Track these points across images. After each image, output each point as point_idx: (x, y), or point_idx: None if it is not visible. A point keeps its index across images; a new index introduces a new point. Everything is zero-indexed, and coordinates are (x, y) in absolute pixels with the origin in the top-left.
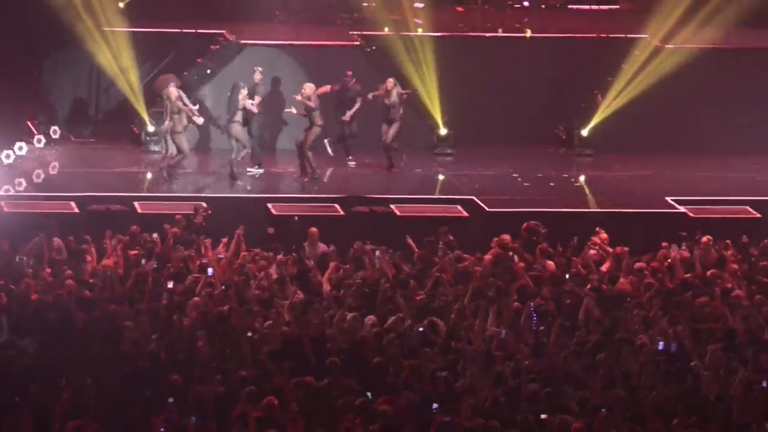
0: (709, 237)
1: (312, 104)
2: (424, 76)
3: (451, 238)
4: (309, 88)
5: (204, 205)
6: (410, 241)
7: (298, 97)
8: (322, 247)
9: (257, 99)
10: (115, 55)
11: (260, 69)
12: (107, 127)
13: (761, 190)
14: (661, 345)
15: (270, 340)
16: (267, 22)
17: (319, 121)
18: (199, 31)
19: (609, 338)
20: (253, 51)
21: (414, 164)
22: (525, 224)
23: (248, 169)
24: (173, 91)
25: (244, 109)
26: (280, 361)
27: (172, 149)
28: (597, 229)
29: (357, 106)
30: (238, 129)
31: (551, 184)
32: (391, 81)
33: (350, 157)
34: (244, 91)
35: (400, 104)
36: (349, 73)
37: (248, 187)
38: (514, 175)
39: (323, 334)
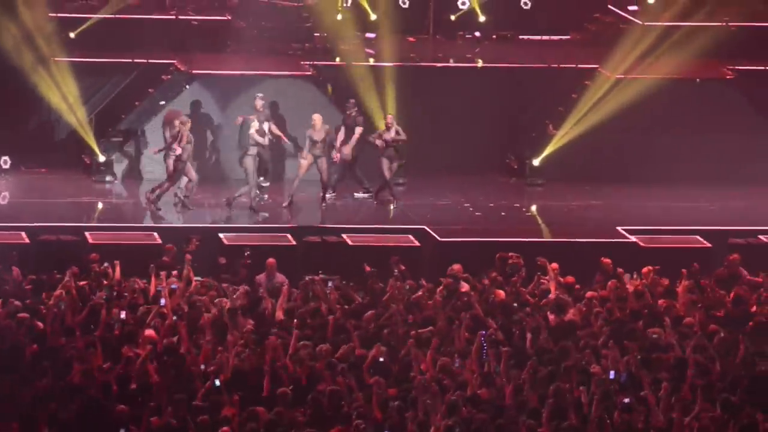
0: (651, 266)
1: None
2: (376, 106)
3: (403, 267)
4: (317, 119)
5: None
6: (368, 269)
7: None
8: (280, 277)
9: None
10: (64, 86)
11: (261, 95)
12: (58, 157)
13: (712, 219)
14: (612, 374)
15: (221, 370)
16: (219, 52)
17: (316, 151)
18: (150, 61)
19: (559, 368)
20: (205, 81)
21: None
22: (498, 254)
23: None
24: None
25: (256, 143)
26: (231, 392)
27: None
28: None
29: (356, 136)
30: (249, 162)
31: (502, 213)
32: (390, 116)
33: (367, 188)
34: (255, 125)
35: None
36: (352, 101)
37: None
38: (466, 204)
39: (276, 364)
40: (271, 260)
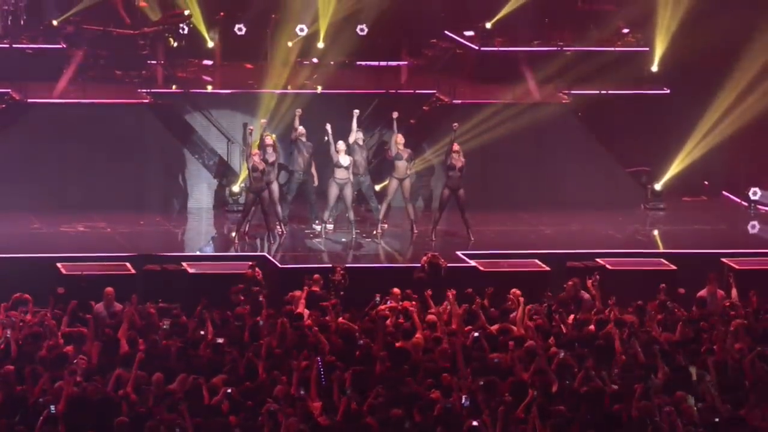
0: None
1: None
2: (215, 134)
3: (242, 298)
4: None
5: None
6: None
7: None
8: (118, 306)
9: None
10: None
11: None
12: None
13: (549, 243)
14: (464, 400)
15: (58, 400)
16: (53, 80)
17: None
18: None
19: (401, 393)
20: (41, 109)
21: (207, 222)
22: (425, 257)
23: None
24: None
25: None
26: (68, 422)
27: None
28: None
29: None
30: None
31: (343, 240)
32: (400, 136)
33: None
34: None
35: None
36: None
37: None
38: (306, 231)
39: (117, 393)
40: (109, 289)
